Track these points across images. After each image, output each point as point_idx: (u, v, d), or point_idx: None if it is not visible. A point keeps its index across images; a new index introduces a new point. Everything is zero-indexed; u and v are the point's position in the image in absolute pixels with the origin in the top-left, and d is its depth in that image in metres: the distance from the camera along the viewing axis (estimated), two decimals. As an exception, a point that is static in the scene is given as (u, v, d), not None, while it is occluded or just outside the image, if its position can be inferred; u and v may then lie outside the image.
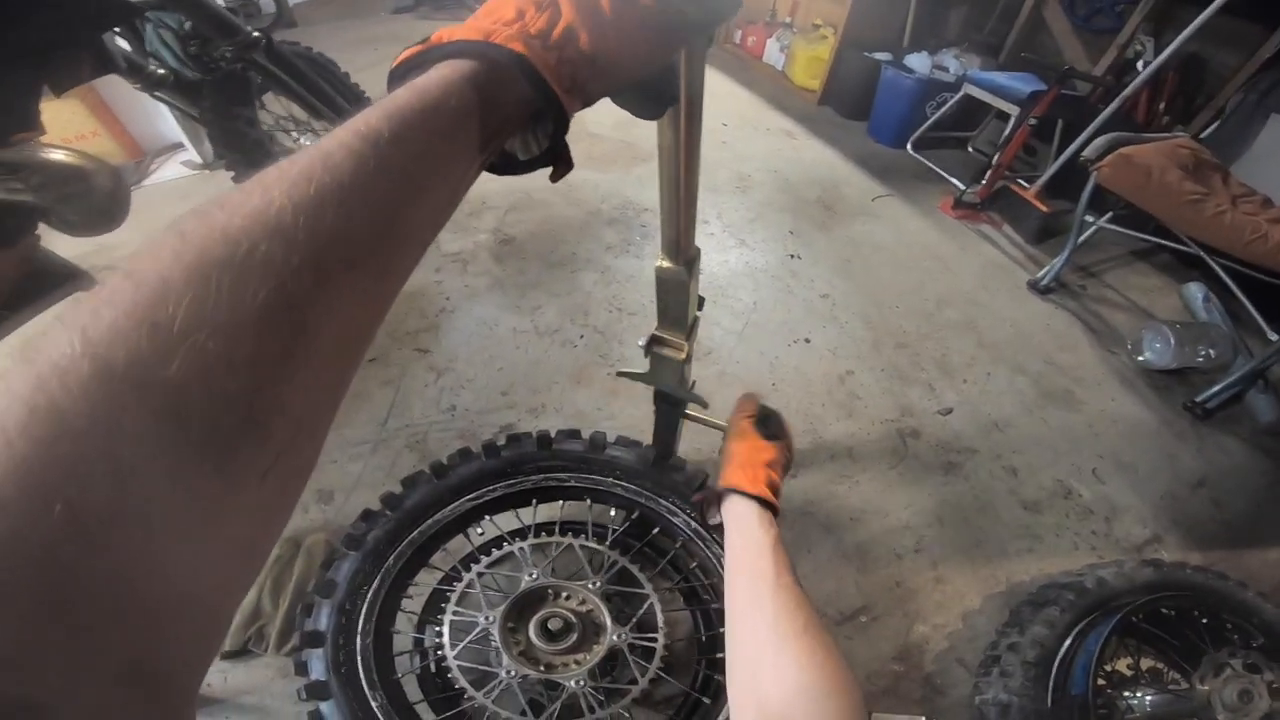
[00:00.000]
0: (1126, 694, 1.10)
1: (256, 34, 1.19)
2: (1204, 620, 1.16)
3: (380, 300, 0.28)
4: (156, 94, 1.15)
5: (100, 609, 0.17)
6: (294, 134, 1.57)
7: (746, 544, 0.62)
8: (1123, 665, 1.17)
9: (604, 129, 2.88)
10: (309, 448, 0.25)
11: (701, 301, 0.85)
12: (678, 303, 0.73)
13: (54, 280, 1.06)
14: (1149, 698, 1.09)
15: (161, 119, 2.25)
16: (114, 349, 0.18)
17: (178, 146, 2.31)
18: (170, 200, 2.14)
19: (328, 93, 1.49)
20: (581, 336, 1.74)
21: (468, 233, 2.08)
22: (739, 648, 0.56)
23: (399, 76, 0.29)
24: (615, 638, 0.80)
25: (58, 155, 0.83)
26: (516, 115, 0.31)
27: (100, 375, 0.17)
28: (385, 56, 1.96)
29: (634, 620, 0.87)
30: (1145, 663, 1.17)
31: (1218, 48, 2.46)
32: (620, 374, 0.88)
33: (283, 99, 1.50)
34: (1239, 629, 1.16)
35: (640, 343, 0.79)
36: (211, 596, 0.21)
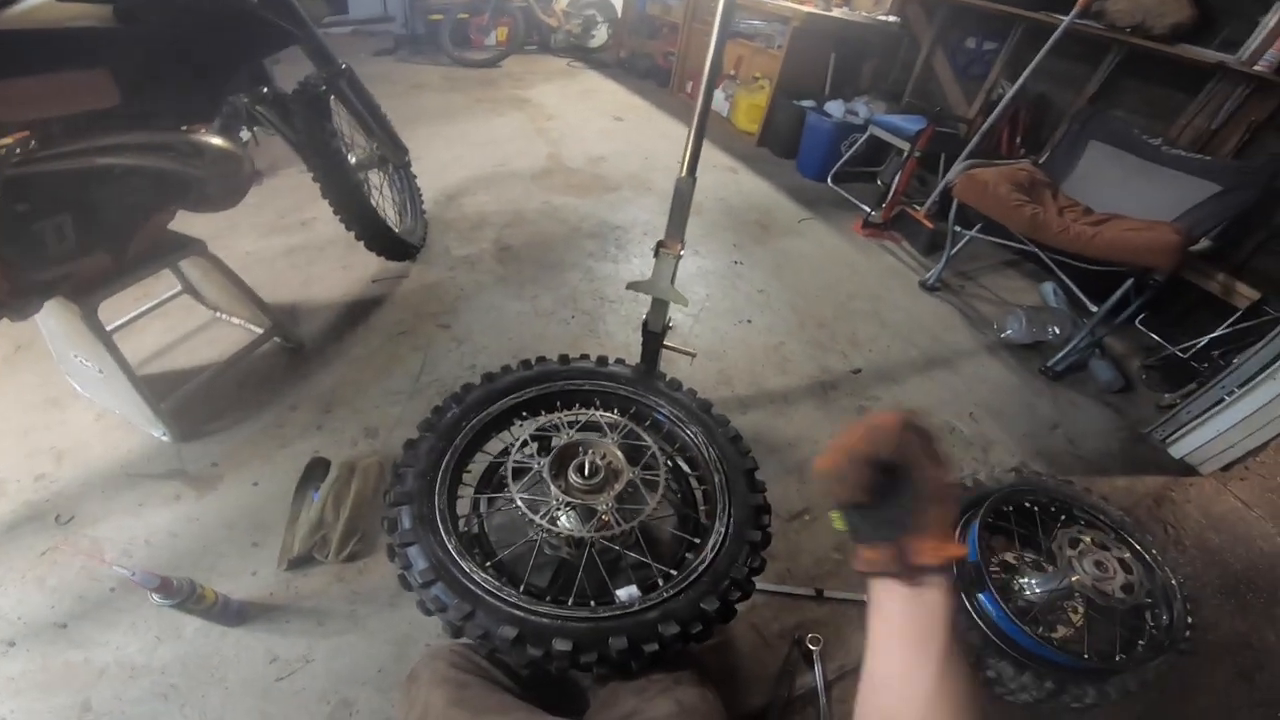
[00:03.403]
0: (1018, 579, 1.32)
1: (345, 65, 1.47)
2: (1062, 516, 1.38)
3: None
4: (257, 108, 1.39)
5: None
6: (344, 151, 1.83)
7: (908, 627, 0.50)
8: (1010, 557, 1.37)
9: (578, 164, 3.22)
10: None
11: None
12: (682, 207, 1.08)
13: (173, 246, 1.27)
14: (1034, 579, 1.29)
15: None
16: None
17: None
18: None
19: (379, 117, 1.78)
20: (573, 317, 2.03)
21: (473, 241, 2.36)
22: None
23: None
24: (631, 474, 1.04)
25: (219, 142, 1.06)
26: None
27: None
28: (373, 95, 2.12)
29: (640, 463, 1.08)
30: (1028, 555, 1.36)
31: (1059, 88, 2.91)
32: (629, 285, 1.19)
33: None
34: (1090, 523, 1.36)
35: (650, 247, 1.15)
36: None
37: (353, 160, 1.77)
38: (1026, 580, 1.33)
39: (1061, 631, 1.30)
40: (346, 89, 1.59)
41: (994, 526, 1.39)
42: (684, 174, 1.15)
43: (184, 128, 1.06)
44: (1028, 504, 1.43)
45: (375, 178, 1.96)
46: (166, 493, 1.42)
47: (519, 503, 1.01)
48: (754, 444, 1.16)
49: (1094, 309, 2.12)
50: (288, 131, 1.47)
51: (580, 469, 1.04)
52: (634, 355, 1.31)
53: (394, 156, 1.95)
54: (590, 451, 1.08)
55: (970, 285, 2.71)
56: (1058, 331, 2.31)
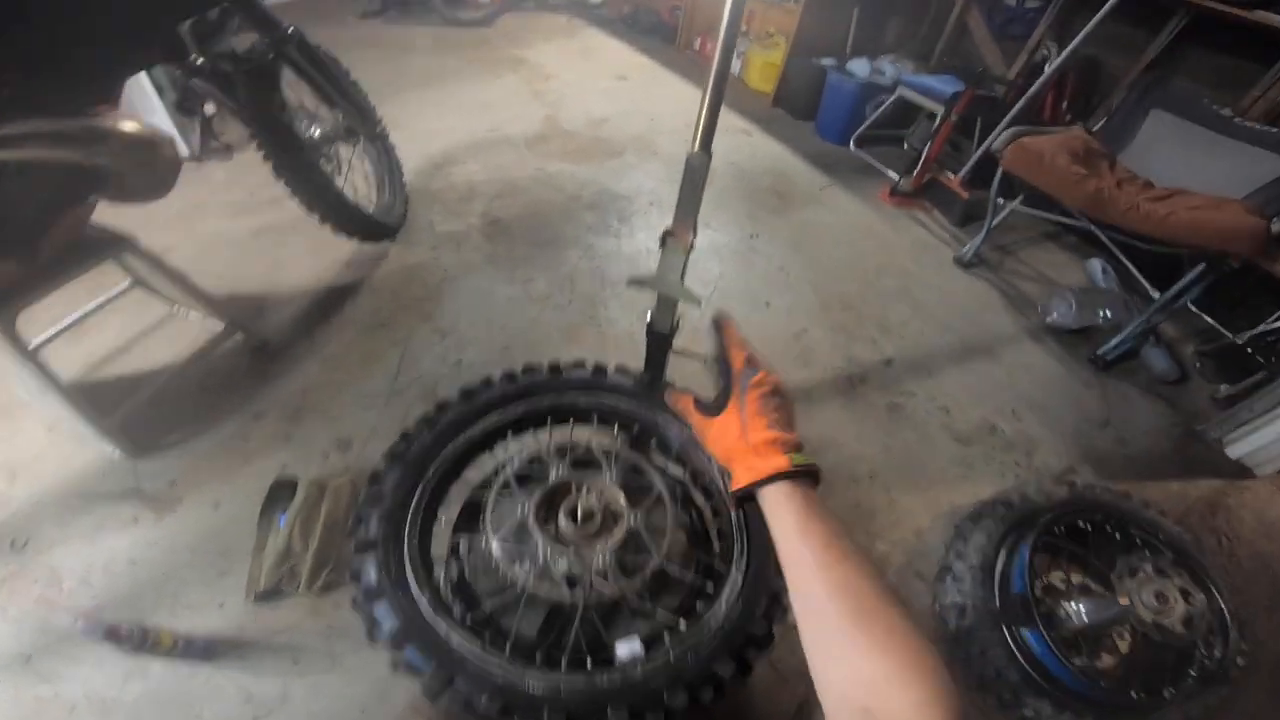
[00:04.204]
0: (1065, 604, 1.19)
1: (291, 29, 1.27)
2: (1116, 535, 1.27)
3: None
4: (194, 80, 1.20)
5: None
6: (304, 123, 1.63)
7: (777, 533, 0.59)
8: (1056, 579, 1.25)
9: (578, 126, 2.99)
10: None
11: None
12: (694, 188, 0.87)
13: (100, 246, 1.11)
14: (1083, 606, 1.17)
15: (150, 110, 2.20)
16: None
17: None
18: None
19: (342, 86, 1.57)
20: (570, 302, 1.86)
21: (460, 215, 2.16)
22: (805, 641, 0.52)
23: None
24: (632, 520, 0.89)
25: (131, 126, 0.89)
26: None
27: None
28: (357, 60, 1.97)
29: (644, 505, 0.94)
30: (1075, 577, 1.25)
31: (1111, 51, 2.66)
32: (630, 281, 1.01)
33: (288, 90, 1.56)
34: (1147, 543, 1.25)
35: (655, 218, 0.93)
36: None
37: (316, 134, 1.58)
38: (1075, 607, 1.21)
39: (1106, 660, 1.20)
40: (297, 55, 1.39)
41: (1042, 546, 1.26)
42: (696, 148, 0.94)
43: (89, 111, 0.88)
44: (1082, 523, 1.30)
45: (344, 152, 1.76)
46: (124, 515, 1.32)
47: (496, 554, 0.87)
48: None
49: (1154, 293, 1.91)
50: (230, 104, 1.28)
51: (572, 513, 0.90)
52: (638, 346, 1.17)
53: (363, 127, 1.74)
54: (584, 491, 0.93)
55: (1009, 261, 2.49)
56: (1109, 315, 2.10)
